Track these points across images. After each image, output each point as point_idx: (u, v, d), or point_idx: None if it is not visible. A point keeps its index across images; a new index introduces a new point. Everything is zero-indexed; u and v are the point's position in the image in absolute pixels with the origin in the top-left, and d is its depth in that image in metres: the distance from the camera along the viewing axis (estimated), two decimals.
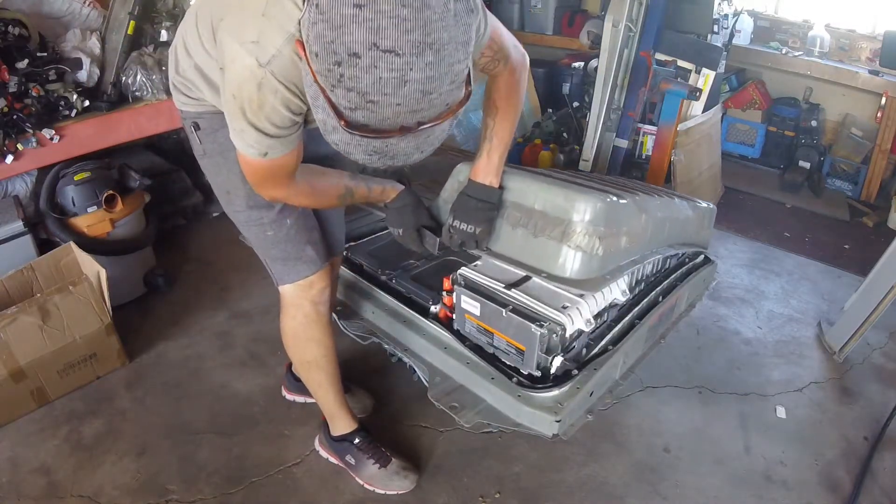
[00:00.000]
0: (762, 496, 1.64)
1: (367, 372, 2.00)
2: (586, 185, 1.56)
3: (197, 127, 1.25)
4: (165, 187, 2.76)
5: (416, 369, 1.70)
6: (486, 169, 1.36)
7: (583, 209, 1.34)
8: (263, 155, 1.03)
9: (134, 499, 1.58)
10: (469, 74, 0.82)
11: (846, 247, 3.08)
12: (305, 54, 0.78)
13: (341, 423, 1.61)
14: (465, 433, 1.74)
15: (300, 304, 1.41)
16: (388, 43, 0.70)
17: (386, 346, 1.82)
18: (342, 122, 0.76)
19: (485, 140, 1.34)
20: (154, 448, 1.73)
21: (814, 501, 1.63)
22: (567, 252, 1.35)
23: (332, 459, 1.67)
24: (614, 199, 1.40)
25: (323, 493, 1.61)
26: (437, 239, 1.43)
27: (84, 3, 2.44)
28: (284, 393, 1.90)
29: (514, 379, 1.47)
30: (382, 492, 1.59)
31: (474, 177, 1.38)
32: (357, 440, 1.60)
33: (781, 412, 1.93)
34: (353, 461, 1.61)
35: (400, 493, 1.59)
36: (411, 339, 1.71)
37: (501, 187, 1.39)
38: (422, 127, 0.78)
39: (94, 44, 2.41)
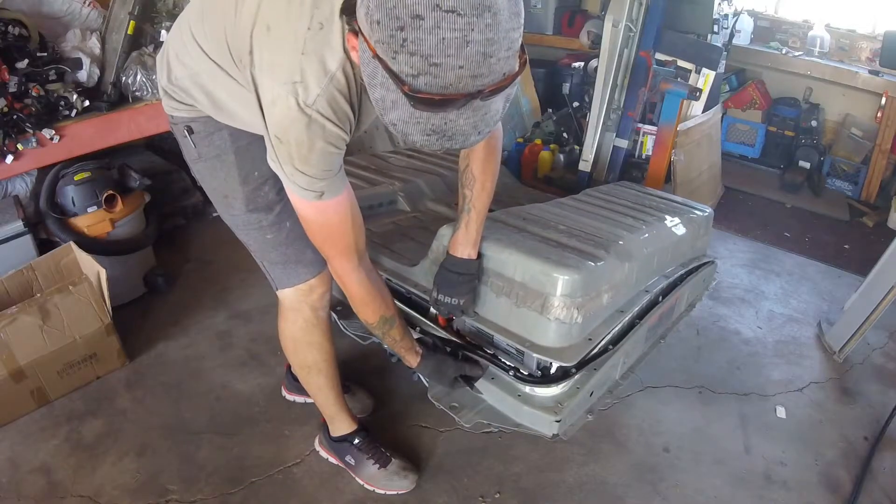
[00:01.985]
0: (762, 496, 1.64)
1: (367, 372, 2.00)
2: (571, 231, 1.60)
3: (190, 131, 1.23)
4: (165, 187, 2.75)
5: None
6: (465, 242, 1.41)
7: (559, 284, 1.38)
8: (319, 196, 1.05)
9: (134, 499, 1.58)
10: (522, 46, 0.81)
11: (846, 247, 3.08)
12: (363, 33, 0.78)
13: (341, 425, 1.61)
14: (465, 433, 1.74)
15: (300, 309, 1.39)
16: (450, 3, 0.70)
17: (386, 347, 1.82)
18: (405, 88, 0.75)
19: (462, 212, 1.38)
20: (154, 448, 1.73)
21: (814, 501, 1.63)
22: (547, 324, 1.41)
23: (332, 460, 1.67)
24: (591, 264, 1.43)
25: (323, 492, 1.61)
26: (482, 371, 1.50)
27: (84, 3, 2.44)
28: (284, 393, 1.90)
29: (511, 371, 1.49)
30: (382, 492, 1.59)
31: (453, 250, 1.42)
32: (357, 440, 1.60)
33: (781, 412, 1.93)
34: (352, 461, 1.61)
35: (400, 492, 1.59)
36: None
37: (480, 255, 1.44)
38: (482, 96, 0.77)
39: (94, 44, 2.41)
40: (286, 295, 1.39)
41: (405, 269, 1.69)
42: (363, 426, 1.64)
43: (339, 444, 1.63)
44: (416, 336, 1.51)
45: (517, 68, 0.80)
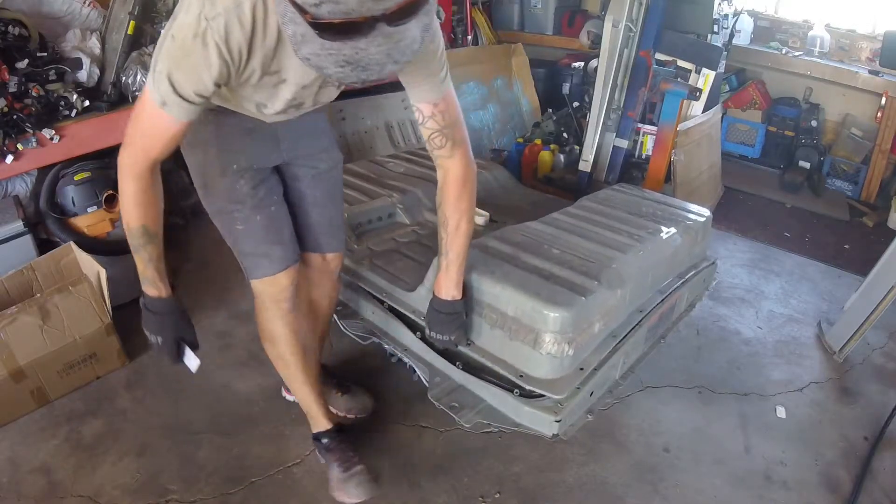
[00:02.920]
0: (762, 496, 1.64)
1: (367, 372, 2.00)
2: (564, 256, 1.62)
3: None
4: (165, 187, 2.75)
5: (416, 369, 1.70)
6: (447, 285, 1.44)
7: (550, 321, 1.41)
8: (162, 105, 1.04)
9: (134, 499, 1.58)
10: None
11: (846, 247, 3.08)
12: None
13: (314, 421, 1.60)
14: (465, 433, 1.74)
15: (264, 300, 1.44)
16: None
17: (386, 346, 1.82)
18: (307, 18, 0.77)
19: (441, 254, 1.41)
20: (154, 448, 1.73)
21: (814, 501, 1.63)
22: (539, 358, 1.45)
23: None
24: (582, 298, 1.45)
25: (323, 492, 1.60)
26: (198, 362, 1.37)
27: (84, 3, 2.44)
28: (284, 393, 1.90)
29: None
30: (336, 496, 1.52)
31: (437, 292, 1.46)
32: (325, 440, 1.58)
33: (781, 412, 1.93)
34: (321, 460, 1.60)
35: (350, 501, 1.50)
36: (411, 339, 1.71)
37: (465, 293, 1.48)
38: (389, 21, 0.77)
39: (94, 44, 2.42)
40: (254, 285, 1.42)
41: (403, 293, 1.74)
42: (338, 428, 1.60)
43: (314, 441, 1.62)
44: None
45: None
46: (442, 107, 1.22)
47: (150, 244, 1.25)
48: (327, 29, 0.77)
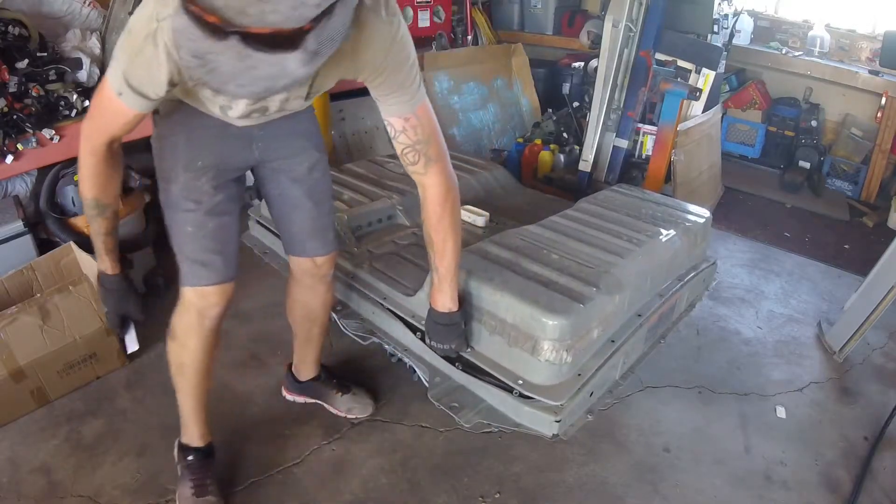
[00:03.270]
0: (762, 496, 1.64)
1: (367, 372, 2.00)
2: (563, 261, 1.63)
3: (156, 111, 1.28)
4: None
5: (416, 369, 1.70)
6: (442, 299, 1.44)
7: (548, 329, 1.42)
8: (119, 94, 1.05)
9: (134, 499, 1.58)
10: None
11: (846, 247, 3.08)
12: None
13: (188, 434, 1.53)
14: (465, 433, 1.74)
15: (189, 310, 1.36)
16: None
17: (386, 346, 1.82)
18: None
19: (432, 270, 1.40)
20: (154, 448, 1.73)
21: (814, 501, 1.63)
22: (538, 364, 1.46)
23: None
24: (580, 305, 1.46)
25: (323, 493, 1.61)
26: (136, 346, 1.50)
27: (84, 3, 2.44)
28: (284, 393, 1.90)
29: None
30: None
31: (433, 304, 1.46)
32: (190, 458, 1.52)
33: (781, 412, 1.93)
34: (178, 473, 1.55)
35: None
36: (411, 339, 1.71)
37: (462, 302, 1.48)
38: (248, 25, 0.72)
39: (94, 44, 2.41)
40: (184, 292, 1.36)
41: (403, 298, 1.74)
42: (208, 450, 1.55)
43: (179, 451, 1.57)
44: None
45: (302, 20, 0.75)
46: (414, 122, 1.17)
47: (100, 217, 1.26)
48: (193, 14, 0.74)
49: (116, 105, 1.07)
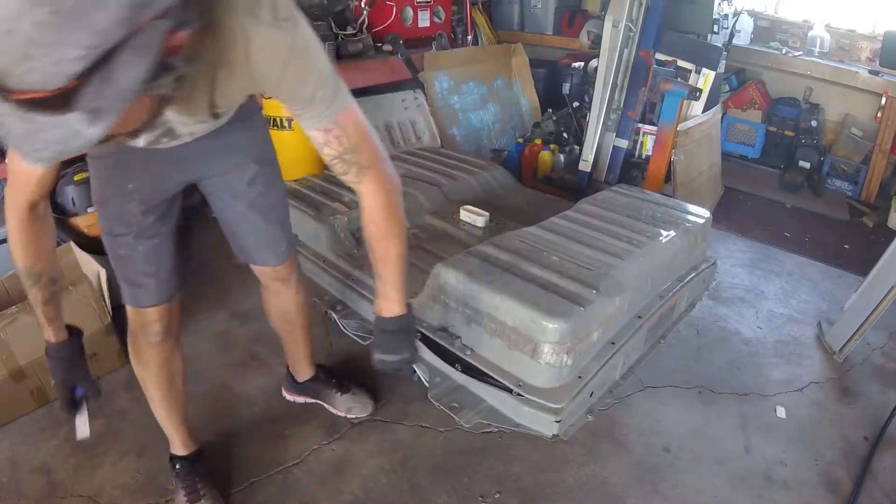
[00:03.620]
0: (762, 496, 1.64)
1: (367, 372, 2.00)
2: (563, 263, 1.63)
3: None
4: None
5: (416, 369, 1.70)
6: (389, 305, 1.28)
7: (548, 332, 1.42)
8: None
9: (134, 499, 1.58)
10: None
11: (846, 247, 3.08)
12: None
13: (173, 444, 1.57)
14: (465, 433, 1.74)
15: (133, 328, 1.38)
16: None
17: None
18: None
19: (376, 278, 1.25)
20: (154, 448, 1.73)
21: (814, 501, 1.63)
22: (538, 367, 1.47)
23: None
24: (580, 308, 1.46)
25: (323, 493, 1.61)
26: (87, 426, 1.30)
27: None
28: (284, 393, 1.90)
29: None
30: None
31: (380, 313, 1.29)
32: (178, 466, 1.56)
33: (781, 412, 1.93)
34: (172, 484, 1.57)
35: None
36: None
37: (408, 307, 1.30)
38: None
39: None
40: (128, 311, 1.37)
41: None
42: (195, 456, 1.58)
43: (169, 462, 1.59)
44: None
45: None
46: (336, 132, 1.05)
47: (35, 286, 1.19)
48: None
49: (20, 163, 1.04)
